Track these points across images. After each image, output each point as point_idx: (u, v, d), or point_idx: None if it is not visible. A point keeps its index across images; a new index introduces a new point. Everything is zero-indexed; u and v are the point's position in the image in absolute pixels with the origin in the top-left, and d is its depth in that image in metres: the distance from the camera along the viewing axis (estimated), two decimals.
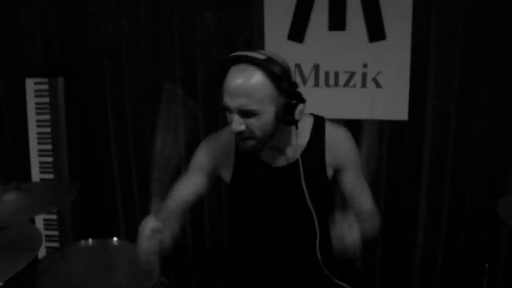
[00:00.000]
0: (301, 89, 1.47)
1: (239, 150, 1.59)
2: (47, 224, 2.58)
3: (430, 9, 2.26)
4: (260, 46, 2.38)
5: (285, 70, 1.42)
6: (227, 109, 1.45)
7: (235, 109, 1.41)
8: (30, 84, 2.53)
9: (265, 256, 1.70)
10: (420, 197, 2.48)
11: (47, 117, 2.53)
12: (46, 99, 2.53)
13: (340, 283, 1.61)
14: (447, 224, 2.49)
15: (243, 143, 1.48)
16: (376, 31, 2.31)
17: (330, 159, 1.59)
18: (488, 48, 2.26)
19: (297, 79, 2.39)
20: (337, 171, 1.62)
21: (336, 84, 2.40)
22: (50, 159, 2.55)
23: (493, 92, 2.30)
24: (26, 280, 1.68)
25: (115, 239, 1.99)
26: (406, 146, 2.44)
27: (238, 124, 1.42)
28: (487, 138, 2.35)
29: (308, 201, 1.56)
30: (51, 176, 2.55)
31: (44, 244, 2.56)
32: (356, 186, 1.64)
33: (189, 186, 1.68)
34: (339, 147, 1.59)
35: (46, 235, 2.57)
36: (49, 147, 2.55)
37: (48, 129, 2.54)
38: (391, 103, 2.38)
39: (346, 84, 2.39)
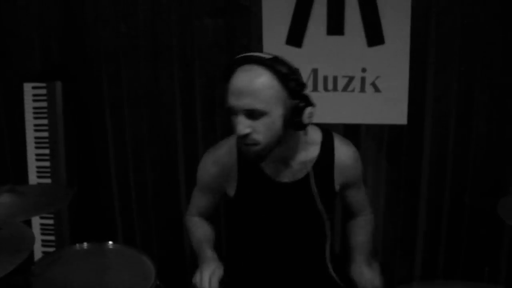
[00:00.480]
0: None
1: (241, 165, 1.55)
2: (44, 229, 2.56)
3: (428, 13, 2.26)
4: (258, 50, 2.33)
5: (293, 70, 1.38)
6: (232, 112, 1.38)
7: (241, 110, 1.35)
8: (28, 89, 2.52)
9: (266, 268, 1.67)
10: (420, 200, 2.46)
11: (45, 121, 2.52)
12: (44, 104, 2.52)
13: None
14: (447, 225, 2.48)
15: (247, 149, 1.41)
16: (374, 36, 2.31)
17: (339, 176, 1.58)
18: (487, 53, 2.25)
19: None
20: (343, 187, 1.63)
21: (335, 88, 2.39)
22: (47, 164, 2.53)
23: (493, 97, 2.29)
24: (19, 283, 1.66)
25: (110, 242, 1.97)
26: (405, 150, 2.42)
27: (243, 126, 1.36)
28: (486, 143, 2.34)
29: (324, 216, 1.56)
30: (48, 180, 2.53)
31: (40, 249, 2.54)
32: (358, 198, 1.70)
33: (204, 200, 1.71)
34: (350, 167, 1.59)
35: (42, 240, 2.54)
36: (47, 151, 2.53)
37: (46, 134, 2.53)
38: (390, 107, 2.36)
39: (344, 89, 2.38)
